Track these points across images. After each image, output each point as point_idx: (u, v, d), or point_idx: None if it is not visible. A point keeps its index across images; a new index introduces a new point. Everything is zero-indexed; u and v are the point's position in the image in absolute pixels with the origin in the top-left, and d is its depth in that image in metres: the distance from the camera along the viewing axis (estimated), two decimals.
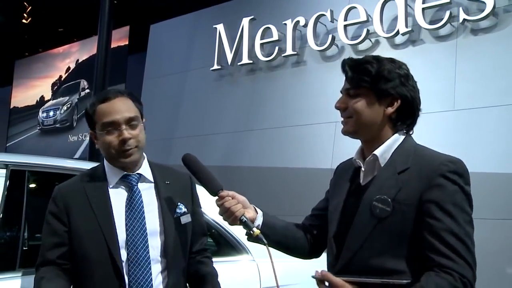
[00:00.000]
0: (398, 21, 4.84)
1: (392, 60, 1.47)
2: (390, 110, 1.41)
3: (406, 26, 4.79)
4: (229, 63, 6.10)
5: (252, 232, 1.48)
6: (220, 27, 6.20)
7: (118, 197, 1.69)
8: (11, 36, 10.79)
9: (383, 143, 1.42)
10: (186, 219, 1.76)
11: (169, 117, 6.73)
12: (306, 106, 5.45)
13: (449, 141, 4.23)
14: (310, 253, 1.65)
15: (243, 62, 5.99)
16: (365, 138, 1.46)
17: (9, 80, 11.47)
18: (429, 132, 3.65)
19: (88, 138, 7.23)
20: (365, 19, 5.06)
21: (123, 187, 1.72)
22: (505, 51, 4.35)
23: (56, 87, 10.44)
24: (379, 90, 1.40)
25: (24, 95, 11.13)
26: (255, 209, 1.58)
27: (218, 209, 1.54)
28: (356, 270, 1.36)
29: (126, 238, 1.63)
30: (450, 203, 1.30)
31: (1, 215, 1.93)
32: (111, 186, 1.71)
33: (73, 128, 9.57)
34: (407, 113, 1.43)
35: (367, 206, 1.38)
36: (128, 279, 1.60)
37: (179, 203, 1.76)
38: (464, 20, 4.51)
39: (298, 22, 5.56)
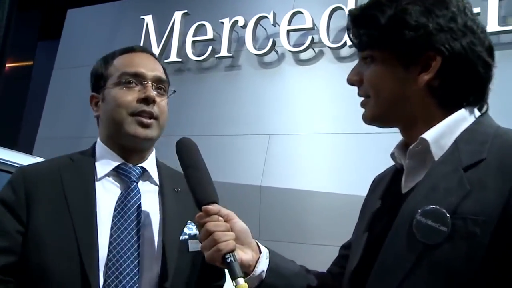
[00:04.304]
0: (346, 32, 4.46)
1: None
2: (425, 77, 0.89)
3: None
4: None
5: (235, 283, 0.96)
6: (148, 19, 5.55)
7: (106, 196, 1.22)
8: None
9: (433, 125, 0.90)
10: (195, 245, 1.23)
11: (79, 113, 5.93)
12: (237, 114, 4.93)
13: None
14: None
15: (170, 59, 5.37)
16: (399, 124, 0.96)
17: None
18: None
19: None
20: (310, 26, 4.66)
21: (115, 181, 1.26)
22: None
23: None
24: (398, 47, 0.90)
25: None
26: (258, 247, 1.04)
27: None
28: None
29: (107, 257, 1.14)
30: None
31: None
32: (98, 177, 1.25)
33: None
34: (459, 74, 0.89)
35: (405, 224, 0.84)
36: None
37: (189, 221, 1.24)
38: None
39: (236, 22, 5.06)
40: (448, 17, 0.89)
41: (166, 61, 5.39)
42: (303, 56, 4.76)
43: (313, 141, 4.41)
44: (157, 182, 1.31)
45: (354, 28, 0.98)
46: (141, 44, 5.48)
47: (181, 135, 4.50)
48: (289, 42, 4.76)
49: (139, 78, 1.27)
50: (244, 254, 1.02)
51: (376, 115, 0.97)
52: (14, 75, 8.25)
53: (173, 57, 5.36)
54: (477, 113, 0.94)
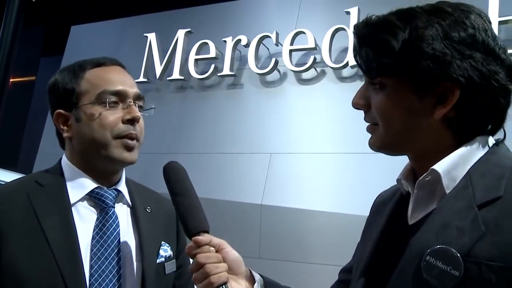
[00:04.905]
0: (348, 52, 4.50)
1: (439, 11, 0.84)
2: (442, 109, 0.83)
3: None
4: (157, 76, 5.48)
5: None
6: (151, 36, 5.59)
7: (81, 223, 1.15)
8: None
9: (445, 155, 0.84)
10: (171, 266, 1.23)
11: None
12: (239, 132, 4.94)
13: None
14: None
15: (173, 77, 5.39)
16: (409, 154, 0.91)
17: None
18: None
19: None
20: (312, 46, 4.69)
21: (90, 206, 1.18)
22: None
23: None
24: (412, 76, 0.83)
25: None
26: (252, 275, 1.00)
27: None
28: None
29: (89, 286, 1.08)
30: None
31: None
32: (72, 203, 1.16)
33: None
34: (478, 106, 0.83)
35: (412, 263, 0.77)
36: None
37: (163, 243, 1.22)
38: None
39: (239, 40, 5.09)
40: (467, 41, 0.82)
41: (168, 78, 5.43)
42: (305, 75, 4.78)
43: (314, 160, 4.42)
44: (130, 203, 1.27)
45: (362, 49, 0.88)
46: (144, 62, 5.53)
47: (183, 153, 4.54)
48: (291, 62, 4.78)
49: (122, 96, 1.21)
50: (237, 285, 0.99)
51: (385, 145, 0.91)
52: (16, 90, 8.29)
53: (176, 74, 5.38)
54: (491, 140, 0.89)
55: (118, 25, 6.35)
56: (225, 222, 4.51)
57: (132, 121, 1.19)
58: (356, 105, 0.93)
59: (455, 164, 0.83)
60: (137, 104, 1.23)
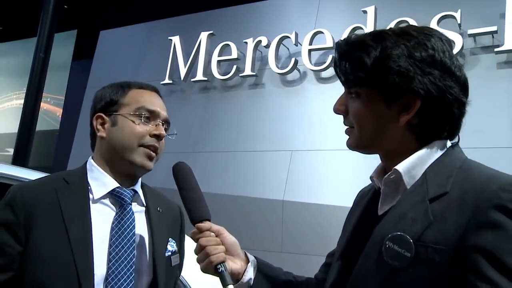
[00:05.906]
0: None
1: (405, 34, 0.99)
2: (405, 116, 0.97)
3: None
4: (182, 78, 5.69)
5: None
6: (175, 39, 5.79)
7: (101, 217, 1.32)
8: None
9: (408, 156, 0.99)
10: (176, 260, 1.43)
11: None
12: (261, 131, 5.09)
13: None
14: None
15: (197, 78, 5.59)
16: (379, 153, 1.06)
17: None
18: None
19: None
20: (331, 45, 4.80)
21: (110, 203, 1.35)
22: None
23: None
24: (381, 88, 0.97)
25: None
26: (246, 256, 1.18)
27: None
28: None
29: (107, 273, 1.26)
30: None
31: None
32: (94, 199, 1.33)
33: None
34: (436, 115, 0.97)
35: (376, 247, 0.93)
36: None
37: (170, 239, 1.43)
38: None
39: (260, 42, 5.25)
40: (427, 60, 0.95)
41: (192, 80, 5.62)
42: (324, 74, 4.90)
43: (334, 157, 4.53)
44: (144, 203, 1.43)
45: (341, 63, 1.04)
46: (169, 64, 5.74)
47: (207, 151, 4.74)
48: (310, 61, 4.91)
49: (154, 115, 1.40)
50: (234, 264, 1.14)
51: (359, 145, 1.05)
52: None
53: (199, 76, 5.57)
54: (449, 144, 1.02)
55: (144, 29, 6.56)
56: (249, 218, 4.67)
57: (158, 137, 1.38)
58: (336, 110, 1.08)
59: (414, 165, 0.98)
60: (164, 125, 1.43)
